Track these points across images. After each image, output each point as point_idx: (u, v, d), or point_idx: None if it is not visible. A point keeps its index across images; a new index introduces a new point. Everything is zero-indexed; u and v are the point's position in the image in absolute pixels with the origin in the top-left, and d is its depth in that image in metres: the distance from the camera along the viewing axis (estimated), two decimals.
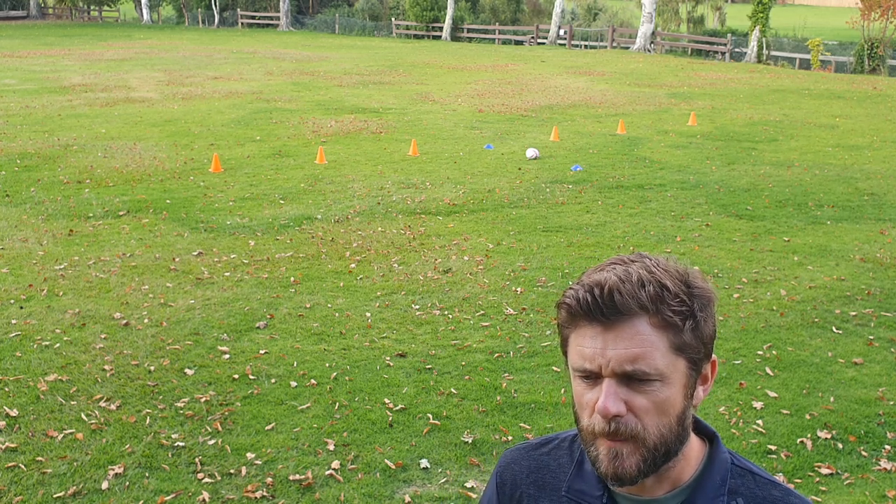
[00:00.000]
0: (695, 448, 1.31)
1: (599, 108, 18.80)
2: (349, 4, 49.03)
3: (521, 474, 1.44)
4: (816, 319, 6.70)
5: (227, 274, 7.62)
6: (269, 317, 6.61)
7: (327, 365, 5.76)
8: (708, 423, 1.36)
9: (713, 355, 1.29)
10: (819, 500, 4.29)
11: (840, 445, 4.81)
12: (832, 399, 5.37)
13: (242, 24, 49.46)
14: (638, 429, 1.20)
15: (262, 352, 5.95)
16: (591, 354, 1.21)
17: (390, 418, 5.05)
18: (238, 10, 49.93)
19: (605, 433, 1.21)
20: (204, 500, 4.21)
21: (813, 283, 7.55)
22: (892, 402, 5.33)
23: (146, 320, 6.49)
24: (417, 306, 6.91)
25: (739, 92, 22.23)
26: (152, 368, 5.65)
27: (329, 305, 6.89)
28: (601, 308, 1.20)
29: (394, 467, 4.53)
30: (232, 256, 8.14)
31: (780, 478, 4.43)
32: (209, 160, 12.38)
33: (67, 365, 5.68)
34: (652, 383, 1.20)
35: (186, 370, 5.64)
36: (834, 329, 6.52)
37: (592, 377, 1.22)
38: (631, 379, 1.20)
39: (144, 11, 53.68)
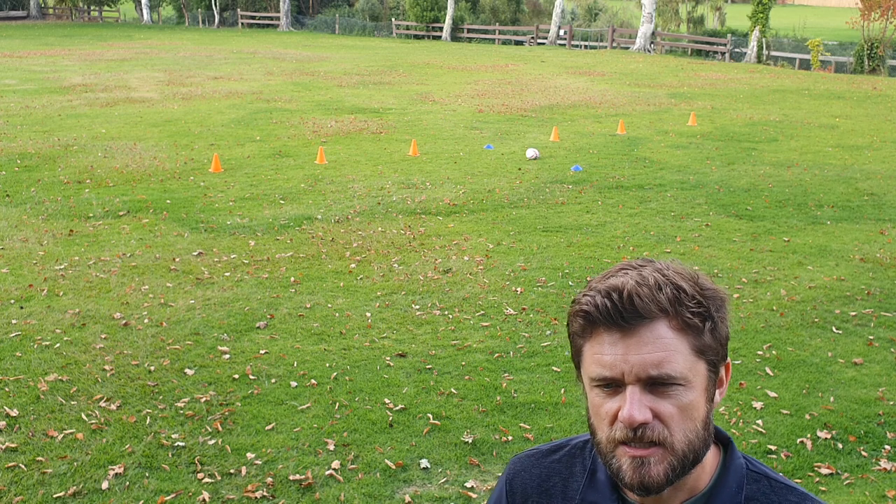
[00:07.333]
0: (710, 454, 1.28)
1: (599, 109, 18.80)
2: (349, 4, 49.03)
3: (531, 483, 1.42)
4: (816, 319, 6.70)
5: (227, 274, 7.62)
6: (269, 317, 6.62)
7: (327, 365, 5.77)
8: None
9: (728, 357, 1.27)
10: None
11: (840, 445, 4.82)
12: (832, 399, 5.37)
13: (242, 24, 49.48)
14: (665, 435, 1.17)
15: (262, 352, 5.96)
16: (611, 362, 1.18)
17: (390, 418, 5.05)
18: (238, 10, 49.95)
19: (628, 440, 1.18)
20: (204, 500, 4.21)
21: (813, 283, 7.55)
22: (891, 402, 5.33)
23: (146, 320, 6.50)
24: (417, 306, 6.91)
25: (739, 92, 22.23)
26: (152, 368, 5.65)
27: (329, 305, 6.89)
28: (621, 313, 1.17)
29: (394, 467, 4.53)
30: (232, 256, 8.14)
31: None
32: (209, 160, 12.38)
33: (67, 365, 5.68)
34: (675, 388, 1.18)
35: (186, 370, 5.64)
36: (834, 329, 6.52)
37: (612, 386, 1.20)
38: (654, 385, 1.17)
39: (144, 11, 53.69)
